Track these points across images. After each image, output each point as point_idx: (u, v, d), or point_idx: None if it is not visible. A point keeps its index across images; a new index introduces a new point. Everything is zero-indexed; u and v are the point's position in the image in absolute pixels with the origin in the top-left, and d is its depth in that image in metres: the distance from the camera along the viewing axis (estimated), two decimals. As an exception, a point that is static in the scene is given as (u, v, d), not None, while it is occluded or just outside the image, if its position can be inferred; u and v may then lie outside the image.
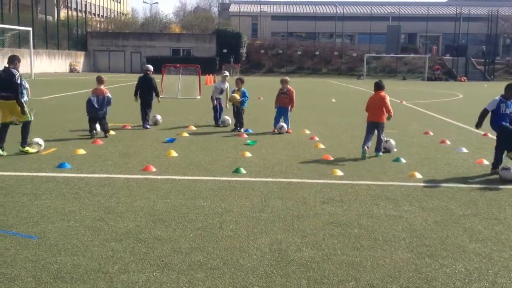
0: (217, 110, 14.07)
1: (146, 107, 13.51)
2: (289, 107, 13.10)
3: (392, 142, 10.72)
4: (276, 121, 13.11)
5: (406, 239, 5.40)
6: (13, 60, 9.67)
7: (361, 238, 5.42)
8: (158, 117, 14.29)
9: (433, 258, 4.92)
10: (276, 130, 12.96)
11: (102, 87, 11.84)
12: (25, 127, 9.67)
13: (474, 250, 5.15)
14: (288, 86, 13.08)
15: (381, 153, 10.10)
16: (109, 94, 11.82)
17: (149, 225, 5.65)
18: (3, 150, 9.39)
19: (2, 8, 45.13)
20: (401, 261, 4.82)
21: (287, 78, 13.47)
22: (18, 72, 9.57)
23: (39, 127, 12.07)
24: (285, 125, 13.01)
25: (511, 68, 63.17)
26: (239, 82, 13.51)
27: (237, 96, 13.23)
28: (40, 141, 9.97)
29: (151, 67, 13.80)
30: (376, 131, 10.18)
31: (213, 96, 14.04)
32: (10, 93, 9.40)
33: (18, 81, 9.47)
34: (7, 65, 9.66)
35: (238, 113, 13.33)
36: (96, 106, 11.54)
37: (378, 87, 10.27)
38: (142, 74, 13.80)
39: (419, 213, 6.37)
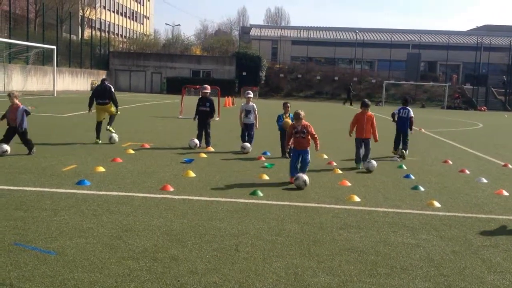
0: (245, 133, 13.80)
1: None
2: (316, 147, 10.09)
3: (374, 163, 11.59)
4: (292, 168, 9.78)
5: (424, 268, 5.35)
6: (106, 78, 15.23)
7: (377, 265, 5.37)
8: (196, 141, 13.77)
9: (450, 288, 4.86)
10: (292, 181, 9.39)
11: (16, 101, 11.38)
12: (113, 117, 14.49)
13: (492, 282, 5.08)
14: (304, 122, 9.85)
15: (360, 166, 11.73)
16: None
17: (166, 244, 5.67)
18: (99, 139, 13.72)
19: (28, 26, 46.17)
20: (418, 290, 4.77)
21: (301, 112, 9.89)
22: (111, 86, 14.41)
23: (59, 142, 12.22)
24: (305, 177, 9.21)
25: (532, 99, 62.64)
26: (286, 106, 12.74)
27: (289, 121, 11.87)
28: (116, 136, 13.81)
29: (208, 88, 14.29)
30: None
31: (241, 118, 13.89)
32: (105, 100, 14.02)
33: (113, 91, 14.28)
34: (102, 80, 14.51)
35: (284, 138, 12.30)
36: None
37: (365, 105, 12.02)
38: (200, 96, 14.24)
39: (437, 242, 6.31)
